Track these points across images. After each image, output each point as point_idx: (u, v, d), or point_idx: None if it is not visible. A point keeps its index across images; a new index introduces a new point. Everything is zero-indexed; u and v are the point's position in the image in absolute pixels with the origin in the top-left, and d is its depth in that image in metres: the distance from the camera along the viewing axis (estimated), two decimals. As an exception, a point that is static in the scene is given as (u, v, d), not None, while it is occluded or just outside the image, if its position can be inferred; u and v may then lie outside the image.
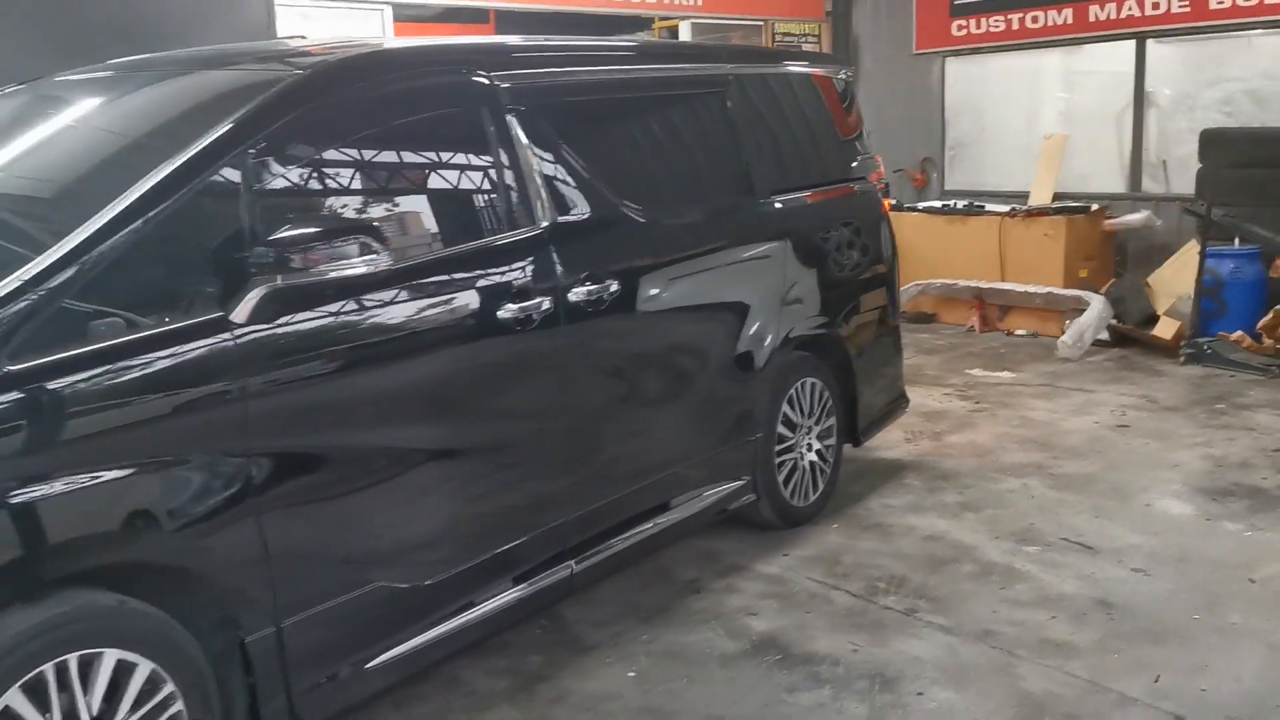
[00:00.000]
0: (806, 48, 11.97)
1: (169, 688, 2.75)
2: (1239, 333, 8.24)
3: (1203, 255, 8.42)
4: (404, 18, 9.99)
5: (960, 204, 10.29)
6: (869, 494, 5.57)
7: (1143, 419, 6.86)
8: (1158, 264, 9.41)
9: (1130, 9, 9.90)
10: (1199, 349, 8.21)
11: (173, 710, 2.76)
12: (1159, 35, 9.89)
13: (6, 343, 2.49)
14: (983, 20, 10.95)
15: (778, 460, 4.93)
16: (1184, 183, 9.68)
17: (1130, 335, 8.76)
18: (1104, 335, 8.78)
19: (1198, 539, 4.93)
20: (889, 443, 6.32)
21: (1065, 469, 5.92)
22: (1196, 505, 5.34)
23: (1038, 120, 11.11)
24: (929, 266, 9.91)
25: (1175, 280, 8.86)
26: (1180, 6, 9.58)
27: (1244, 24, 9.29)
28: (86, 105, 3.59)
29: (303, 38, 4.56)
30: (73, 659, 2.57)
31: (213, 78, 3.49)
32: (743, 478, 4.72)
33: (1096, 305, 8.77)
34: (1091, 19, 10.18)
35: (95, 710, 2.61)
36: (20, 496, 2.47)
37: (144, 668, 2.70)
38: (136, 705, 2.69)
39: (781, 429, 4.94)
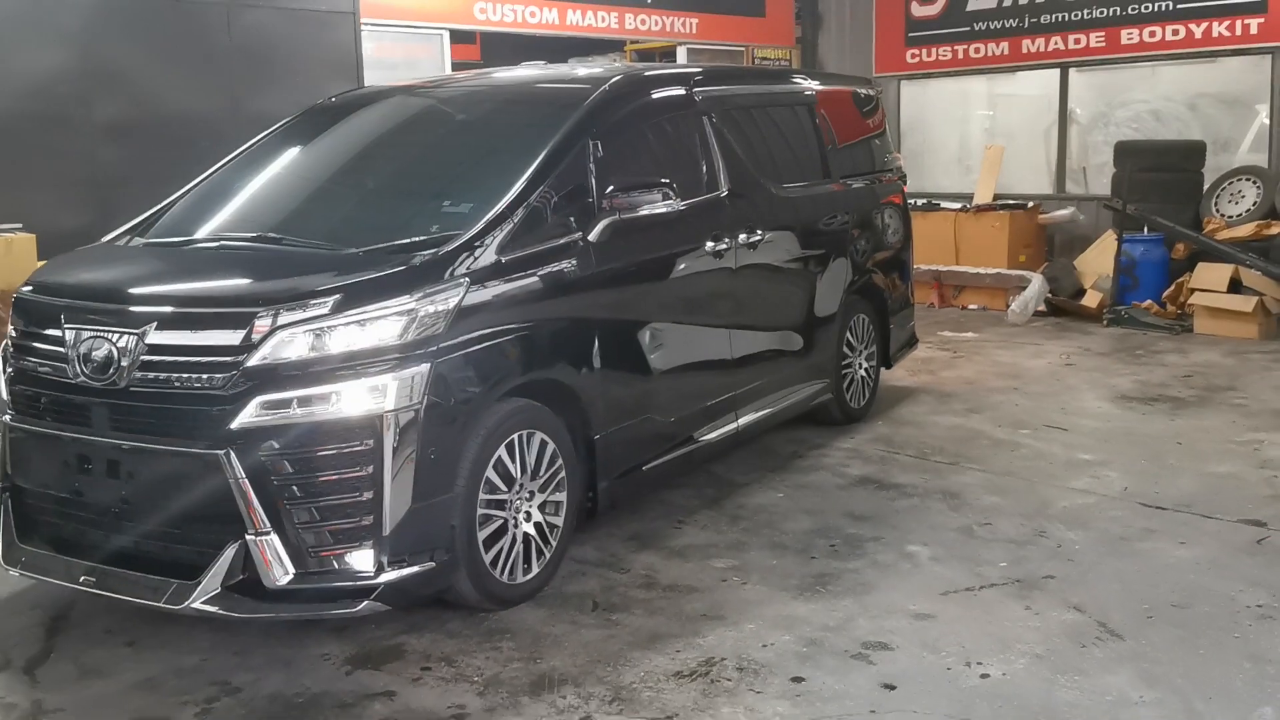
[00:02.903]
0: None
1: (560, 461, 4.52)
2: (1149, 301, 10.44)
3: (1120, 241, 10.59)
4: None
5: (920, 202, 12.34)
6: (898, 405, 7.51)
7: (1083, 360, 8.95)
8: (1079, 251, 11.59)
9: (1056, 43, 12.13)
10: (1119, 314, 10.37)
11: (560, 476, 4.52)
12: (1079, 65, 12.15)
13: (497, 246, 4.24)
14: (933, 49, 13.09)
15: (841, 372, 6.82)
16: (1100, 185, 11.92)
17: (1064, 306, 10.90)
18: (1042, 306, 10.91)
19: (1138, 424, 6.97)
20: (898, 378, 8.24)
21: (1034, 389, 7.95)
22: (1133, 407, 7.40)
23: (979, 134, 13.31)
24: (896, 253, 11.93)
25: (1097, 262, 11.04)
26: (1097, 41, 11.81)
27: (1149, 56, 11.58)
28: (460, 109, 5.37)
29: (543, 63, 6.32)
30: (523, 434, 4.33)
31: (541, 92, 5.31)
32: (824, 380, 6.60)
33: (1036, 282, 10.90)
34: (1024, 51, 12.39)
35: (531, 464, 4.36)
36: (506, 337, 4.24)
37: (550, 445, 4.46)
38: (548, 467, 4.45)
39: (845, 349, 6.83)
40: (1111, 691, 3.64)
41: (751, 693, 3.67)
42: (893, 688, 3.69)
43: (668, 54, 14.58)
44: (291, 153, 5.38)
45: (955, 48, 12.91)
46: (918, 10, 13.19)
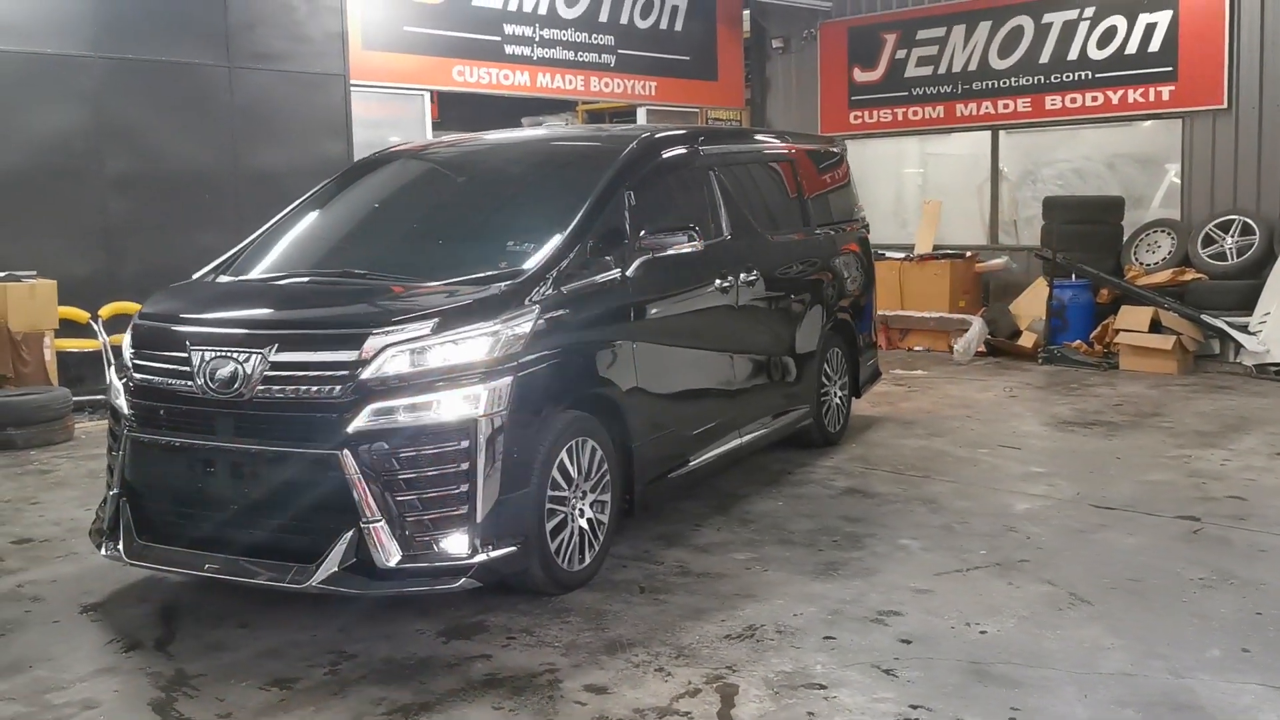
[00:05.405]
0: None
1: (606, 465, 5.21)
2: (1078, 341, 11.46)
3: (1051, 287, 11.62)
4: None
5: (867, 252, 13.26)
6: (867, 431, 8.32)
7: (1025, 392, 9.88)
8: (1013, 296, 12.62)
9: (987, 108, 13.24)
10: (1052, 353, 11.37)
11: (606, 479, 5.22)
12: (1009, 128, 13.28)
13: (558, 279, 4.96)
14: (875, 111, 14.15)
15: (820, 399, 7.62)
16: (1029, 236, 12.99)
17: (1002, 346, 11.88)
18: (982, 347, 11.87)
19: (1080, 444, 7.87)
20: (862, 409, 9.05)
21: (984, 416, 8.84)
22: (1074, 430, 8.30)
23: (915, 190, 14.36)
24: (846, 299, 12.84)
25: (1030, 306, 12.05)
26: (1024, 107, 12.94)
27: (1071, 120, 12.73)
28: (504, 162, 6.11)
29: (564, 122, 7.08)
30: (579, 441, 5.03)
31: (579, 148, 6.08)
32: (807, 405, 7.38)
33: (977, 324, 11.87)
34: (958, 115, 13.48)
35: (584, 466, 5.05)
36: (567, 357, 4.94)
37: (599, 452, 5.16)
38: (596, 470, 5.14)
39: (823, 379, 7.63)
40: (1087, 641, 4.42)
41: (793, 648, 4.38)
42: (909, 642, 4.43)
43: (618, 114, 15.46)
44: (349, 200, 6.06)
45: (895, 110, 13.98)
46: (860, 76, 14.26)
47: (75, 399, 8.74)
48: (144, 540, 4.77)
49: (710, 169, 6.43)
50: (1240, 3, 11.37)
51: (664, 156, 6.04)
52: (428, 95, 12.11)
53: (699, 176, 6.34)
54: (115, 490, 4.90)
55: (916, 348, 12.61)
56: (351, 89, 11.27)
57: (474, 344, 4.55)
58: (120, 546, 4.78)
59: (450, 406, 4.45)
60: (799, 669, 4.19)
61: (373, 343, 4.45)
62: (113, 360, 9.02)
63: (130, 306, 9.30)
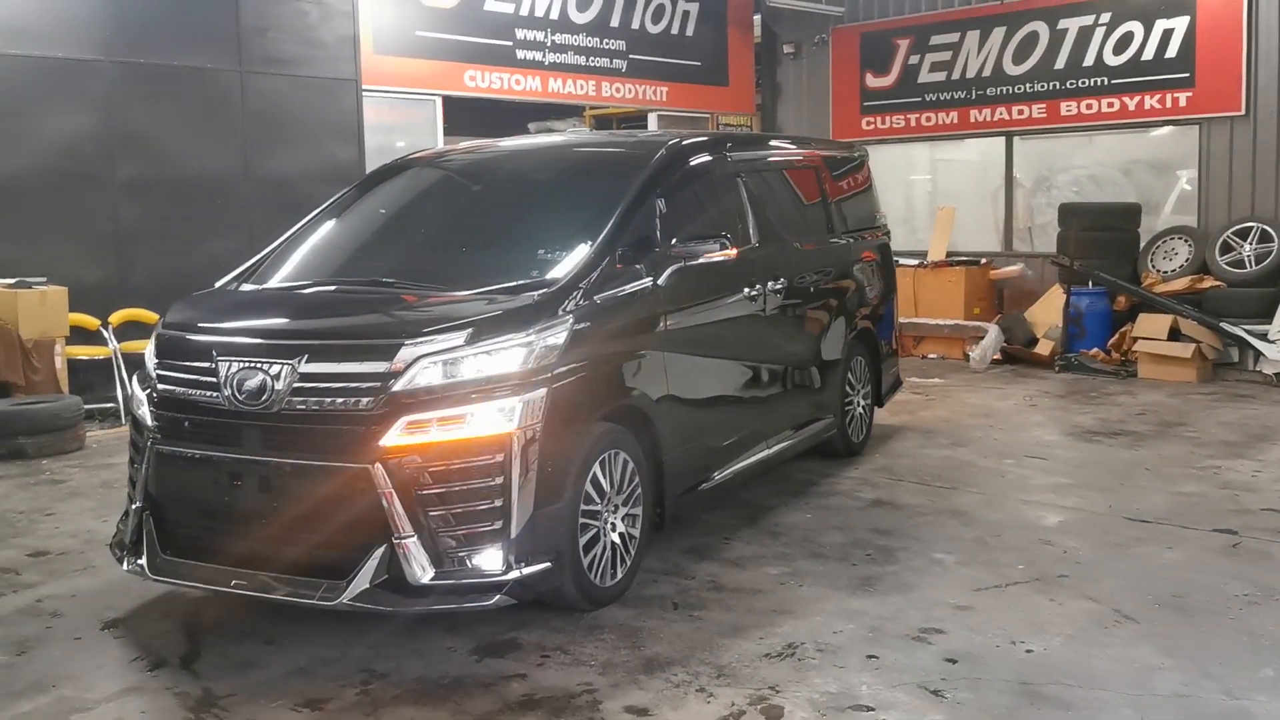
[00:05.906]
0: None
1: (637, 477, 5.10)
2: (1095, 349, 11.36)
3: (1067, 294, 11.52)
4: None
5: (880, 259, 13.16)
6: (890, 441, 8.21)
7: (1044, 401, 9.77)
8: (1026, 304, 12.51)
9: (1001, 114, 13.15)
10: (1069, 361, 11.27)
11: (637, 492, 5.11)
12: (1023, 134, 13.19)
13: (590, 288, 4.85)
14: (887, 118, 14.06)
15: (844, 409, 7.51)
16: (1044, 244, 12.89)
17: (1018, 354, 11.78)
18: (998, 355, 11.77)
19: (1105, 453, 7.76)
20: (883, 418, 8.93)
21: (1006, 425, 8.73)
22: (1099, 440, 8.19)
23: (926, 197, 14.26)
24: (859, 307, 12.73)
25: (1046, 313, 11.95)
26: (1039, 113, 12.86)
27: (1086, 126, 12.64)
28: (529, 168, 6.01)
29: (590, 127, 6.98)
30: (611, 453, 4.92)
31: (607, 155, 5.98)
32: (832, 415, 7.27)
33: (993, 332, 11.77)
34: (972, 120, 13.39)
35: (617, 479, 4.94)
36: (600, 368, 4.83)
37: (631, 464, 5.05)
38: (629, 481, 5.03)
39: (847, 388, 7.53)
40: (1138, 661, 4.31)
41: (836, 668, 4.27)
42: (954, 661, 4.32)
43: (626, 120, 15.36)
44: (372, 208, 5.96)
45: (908, 116, 13.89)
46: (872, 81, 14.17)
47: (86, 407, 8.63)
48: (168, 555, 4.66)
49: (738, 175, 6.33)
50: (1258, 9, 11.29)
51: (693, 163, 5.94)
52: (439, 100, 12.00)
53: (727, 183, 6.24)
54: (138, 503, 4.78)
55: (931, 355, 12.50)
56: (363, 94, 11.18)
57: (508, 355, 4.44)
58: (143, 561, 4.67)
59: (484, 419, 4.34)
60: (844, 689, 4.08)
61: (405, 353, 4.35)
62: (124, 368, 8.92)
63: (141, 313, 9.23)
